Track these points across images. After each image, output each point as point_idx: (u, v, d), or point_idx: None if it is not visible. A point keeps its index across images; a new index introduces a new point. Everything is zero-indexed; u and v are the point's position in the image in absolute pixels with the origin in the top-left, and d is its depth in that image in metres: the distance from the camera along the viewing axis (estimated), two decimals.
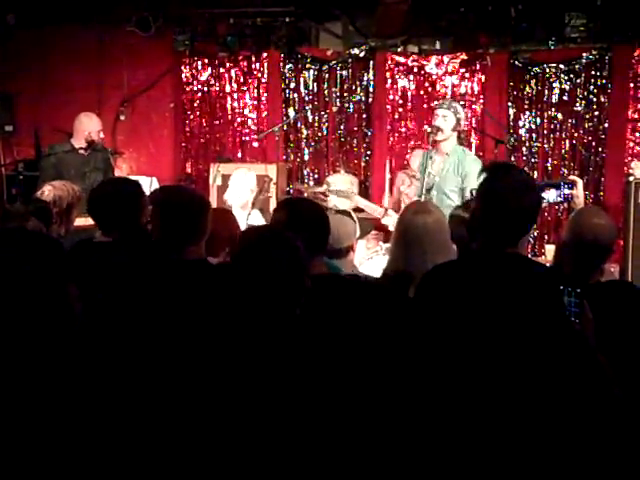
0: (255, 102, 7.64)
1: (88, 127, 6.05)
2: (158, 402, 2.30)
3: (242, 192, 5.48)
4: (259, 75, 7.58)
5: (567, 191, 3.79)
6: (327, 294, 2.66)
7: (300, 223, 2.84)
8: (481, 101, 7.15)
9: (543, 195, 3.81)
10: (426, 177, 5.15)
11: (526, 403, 2.21)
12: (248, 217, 5.27)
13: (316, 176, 7.58)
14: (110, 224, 3.44)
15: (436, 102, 5.54)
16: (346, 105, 7.50)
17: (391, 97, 7.34)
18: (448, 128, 5.27)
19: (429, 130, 5.28)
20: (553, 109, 7.08)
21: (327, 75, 7.49)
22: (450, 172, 5.25)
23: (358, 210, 5.69)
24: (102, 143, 6.16)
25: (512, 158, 6.99)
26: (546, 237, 7.11)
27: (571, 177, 3.96)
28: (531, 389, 2.22)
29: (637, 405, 2.30)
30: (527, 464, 2.17)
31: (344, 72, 7.46)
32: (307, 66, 7.51)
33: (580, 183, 3.83)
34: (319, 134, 7.59)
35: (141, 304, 2.78)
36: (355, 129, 7.50)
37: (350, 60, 7.38)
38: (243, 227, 4.70)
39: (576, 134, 7.04)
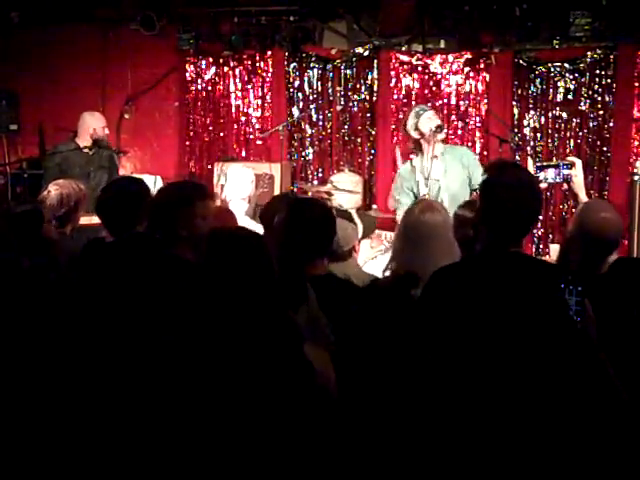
0: (259, 101, 7.64)
1: (92, 124, 6.07)
2: (148, 400, 2.29)
3: (240, 186, 5.47)
4: (263, 74, 7.58)
5: (566, 171, 3.79)
6: (324, 295, 2.66)
7: (301, 224, 2.84)
8: (485, 100, 7.13)
9: (542, 175, 3.80)
10: (426, 183, 5.17)
11: (529, 402, 2.20)
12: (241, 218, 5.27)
13: (320, 175, 7.57)
14: (116, 224, 3.43)
15: (420, 108, 5.49)
16: (350, 104, 7.49)
17: (395, 96, 7.32)
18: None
19: (433, 129, 5.28)
20: (558, 108, 7.07)
21: (331, 74, 7.48)
22: (454, 168, 5.27)
23: (363, 209, 5.70)
24: (107, 139, 6.16)
25: (516, 157, 6.98)
26: (550, 236, 7.10)
27: (569, 158, 3.95)
28: (533, 388, 2.22)
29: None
30: (530, 463, 2.17)
31: (348, 71, 7.44)
32: (311, 65, 7.50)
33: (579, 163, 3.81)
34: (323, 133, 7.58)
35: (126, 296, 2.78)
36: (359, 128, 7.49)
37: (354, 59, 7.37)
38: (241, 222, 4.70)
39: (581, 133, 7.02)
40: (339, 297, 2.76)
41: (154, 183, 6.79)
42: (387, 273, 3.27)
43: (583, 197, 3.76)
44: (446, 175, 5.23)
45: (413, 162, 5.39)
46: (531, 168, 3.83)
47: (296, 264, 2.76)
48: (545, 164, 3.97)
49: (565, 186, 3.90)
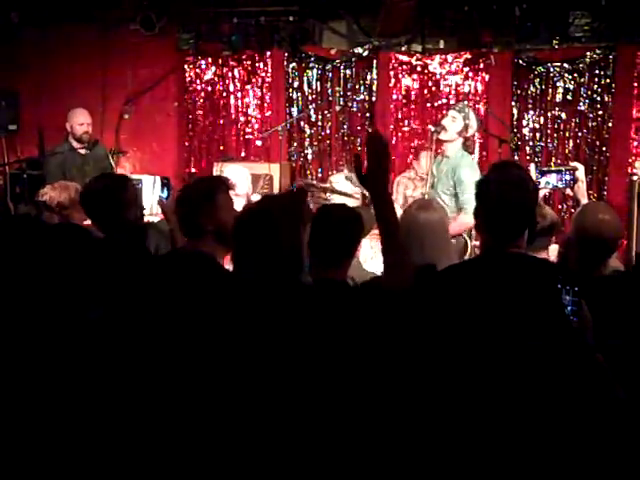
0: (259, 101, 7.65)
1: (69, 121, 6.07)
2: (150, 400, 2.30)
3: (238, 184, 5.50)
4: (263, 74, 7.58)
5: (568, 177, 3.80)
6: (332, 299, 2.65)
7: (326, 228, 2.84)
8: (485, 100, 7.14)
9: (544, 180, 3.81)
10: (429, 177, 5.19)
11: (525, 402, 2.21)
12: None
13: (319, 175, 7.57)
14: (98, 220, 3.47)
15: (454, 105, 5.57)
16: (349, 104, 7.49)
17: (395, 96, 7.33)
18: (453, 130, 5.21)
19: (432, 129, 5.28)
20: (557, 108, 7.07)
21: (331, 74, 7.48)
22: (445, 174, 5.25)
23: (364, 206, 5.69)
24: (88, 137, 6.10)
25: (516, 157, 6.98)
26: None
27: (572, 163, 3.96)
28: (529, 388, 2.22)
29: (637, 403, 2.30)
30: (526, 463, 2.17)
31: (348, 71, 7.45)
32: (311, 65, 7.51)
33: (581, 169, 3.82)
34: (322, 133, 7.59)
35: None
36: (358, 128, 7.50)
37: (354, 59, 7.37)
38: None
39: (580, 133, 7.03)
40: (350, 304, 2.75)
41: (153, 183, 6.79)
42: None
43: (585, 203, 3.76)
44: (439, 175, 5.24)
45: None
46: (533, 173, 3.83)
47: (317, 267, 2.76)
48: (547, 169, 3.98)
49: (568, 191, 3.89)
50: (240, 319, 2.27)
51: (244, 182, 5.62)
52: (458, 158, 5.21)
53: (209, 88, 7.75)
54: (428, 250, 2.85)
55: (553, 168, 4.08)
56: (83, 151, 6.04)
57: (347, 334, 2.31)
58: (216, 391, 2.16)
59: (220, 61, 7.65)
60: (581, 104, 6.99)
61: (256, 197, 5.38)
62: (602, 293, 2.52)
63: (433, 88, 7.27)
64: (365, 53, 7.31)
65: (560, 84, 7.03)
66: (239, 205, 5.40)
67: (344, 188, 5.79)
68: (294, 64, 7.52)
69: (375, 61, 7.33)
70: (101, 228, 3.48)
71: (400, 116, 7.36)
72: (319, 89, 7.55)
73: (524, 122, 7.15)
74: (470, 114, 5.27)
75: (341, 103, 7.49)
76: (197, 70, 7.72)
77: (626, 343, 2.44)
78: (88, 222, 4.40)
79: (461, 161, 5.20)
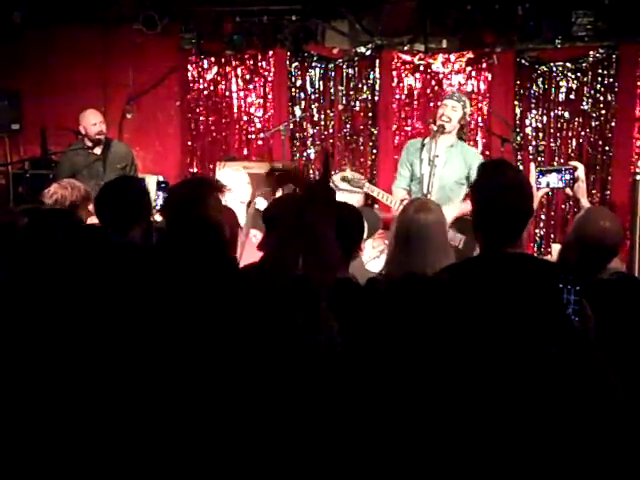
0: (261, 100, 7.64)
1: (82, 123, 6.05)
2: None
3: (237, 191, 5.41)
4: (265, 73, 7.58)
5: (568, 176, 3.79)
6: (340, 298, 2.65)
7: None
8: (487, 99, 7.13)
9: (544, 180, 3.81)
10: (423, 165, 5.18)
11: (527, 402, 2.20)
12: (253, 205, 5.20)
13: None
14: (111, 224, 3.43)
15: (450, 94, 5.55)
16: (352, 104, 7.49)
17: (397, 96, 7.32)
18: (455, 119, 5.28)
19: (435, 129, 5.26)
20: (560, 107, 7.06)
21: (333, 73, 7.48)
22: (455, 163, 5.26)
23: (366, 205, 5.68)
24: (102, 136, 6.07)
25: (518, 157, 6.98)
26: (552, 236, 7.10)
27: (572, 162, 3.96)
28: (531, 388, 2.22)
29: (638, 403, 2.30)
30: (527, 463, 2.16)
31: (350, 70, 7.45)
32: (313, 64, 7.50)
33: (581, 168, 3.80)
34: (325, 133, 7.58)
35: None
36: (361, 128, 7.49)
37: (356, 58, 7.37)
38: (243, 223, 4.66)
39: (583, 133, 7.02)
40: (353, 301, 2.75)
41: (156, 183, 6.78)
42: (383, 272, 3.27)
43: (585, 203, 3.74)
44: (445, 166, 5.23)
45: (425, 140, 5.37)
46: (533, 173, 3.83)
47: None
48: (547, 169, 3.98)
49: (567, 191, 3.89)
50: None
51: (245, 187, 5.50)
52: (462, 145, 5.40)
53: (211, 87, 7.74)
54: (431, 252, 2.84)
55: (553, 167, 4.08)
56: (98, 150, 6.02)
57: (353, 335, 2.31)
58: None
59: (222, 60, 7.65)
60: (584, 103, 6.97)
61: (260, 200, 5.30)
62: (601, 297, 2.51)
63: (436, 87, 7.26)
64: (368, 52, 7.30)
65: (563, 83, 7.02)
66: (242, 210, 5.35)
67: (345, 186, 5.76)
68: (297, 63, 7.51)
69: (378, 60, 7.32)
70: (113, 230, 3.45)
71: (403, 115, 7.35)
72: (322, 88, 7.55)
73: (527, 121, 7.13)
74: (467, 102, 5.40)
75: (344, 102, 7.48)
76: (199, 69, 7.71)
77: (626, 344, 2.44)
78: (94, 220, 4.42)
79: (468, 148, 5.46)
